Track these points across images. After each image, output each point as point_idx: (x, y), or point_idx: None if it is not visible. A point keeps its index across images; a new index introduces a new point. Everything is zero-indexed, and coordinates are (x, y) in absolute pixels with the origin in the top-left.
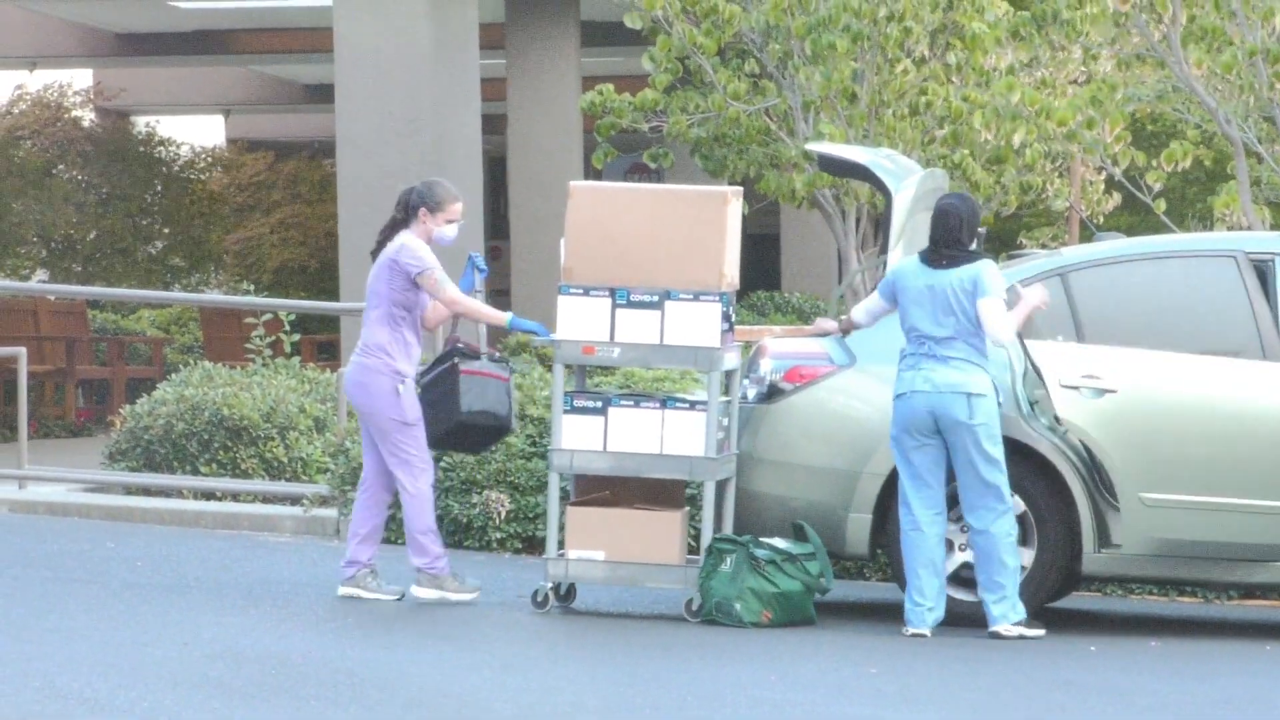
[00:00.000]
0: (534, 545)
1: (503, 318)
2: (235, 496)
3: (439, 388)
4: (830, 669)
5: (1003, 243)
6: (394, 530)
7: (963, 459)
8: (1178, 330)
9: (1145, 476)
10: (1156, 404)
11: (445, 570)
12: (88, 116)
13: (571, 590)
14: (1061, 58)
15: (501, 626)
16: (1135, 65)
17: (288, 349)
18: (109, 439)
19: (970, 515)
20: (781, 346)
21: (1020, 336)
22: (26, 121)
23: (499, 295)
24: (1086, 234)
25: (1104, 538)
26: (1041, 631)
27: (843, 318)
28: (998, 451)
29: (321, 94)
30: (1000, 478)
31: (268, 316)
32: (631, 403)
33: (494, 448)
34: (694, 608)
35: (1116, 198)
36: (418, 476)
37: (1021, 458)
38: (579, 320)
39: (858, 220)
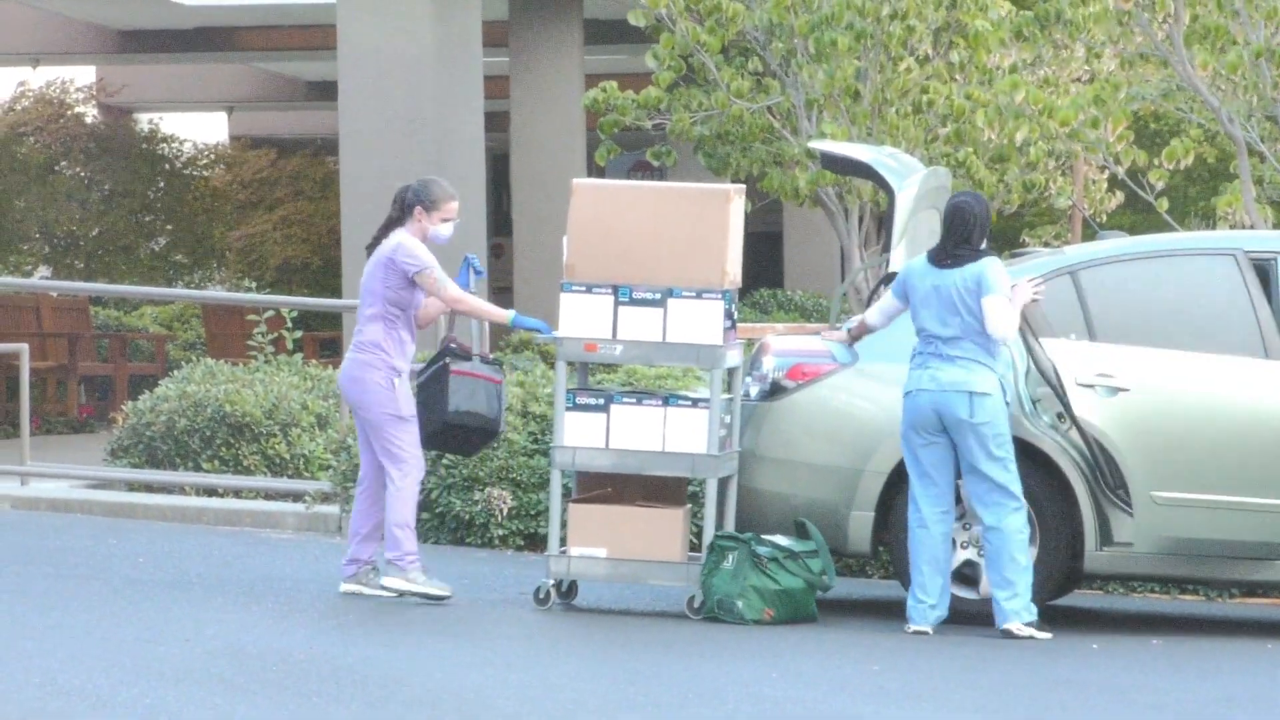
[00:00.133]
0: (536, 542)
1: (505, 315)
2: (237, 493)
3: (430, 387)
4: (832, 666)
5: (1006, 241)
6: None
7: (968, 457)
8: (1188, 329)
9: (1156, 475)
10: (1168, 402)
11: (416, 567)
12: (90, 113)
13: (573, 587)
14: (1064, 56)
15: (503, 623)
16: (1138, 64)
17: (290, 346)
18: (111, 435)
19: (982, 511)
20: (784, 344)
21: (1023, 334)
22: (29, 118)
23: (502, 292)
24: (1089, 233)
25: (1106, 536)
26: (1049, 635)
27: (850, 327)
28: (1004, 450)
29: (324, 91)
30: (1008, 476)
31: (270, 313)
32: (634, 400)
33: (493, 446)
34: (696, 605)
35: (1119, 196)
36: (406, 472)
37: (1024, 456)
38: (581, 318)
39: (860, 218)
